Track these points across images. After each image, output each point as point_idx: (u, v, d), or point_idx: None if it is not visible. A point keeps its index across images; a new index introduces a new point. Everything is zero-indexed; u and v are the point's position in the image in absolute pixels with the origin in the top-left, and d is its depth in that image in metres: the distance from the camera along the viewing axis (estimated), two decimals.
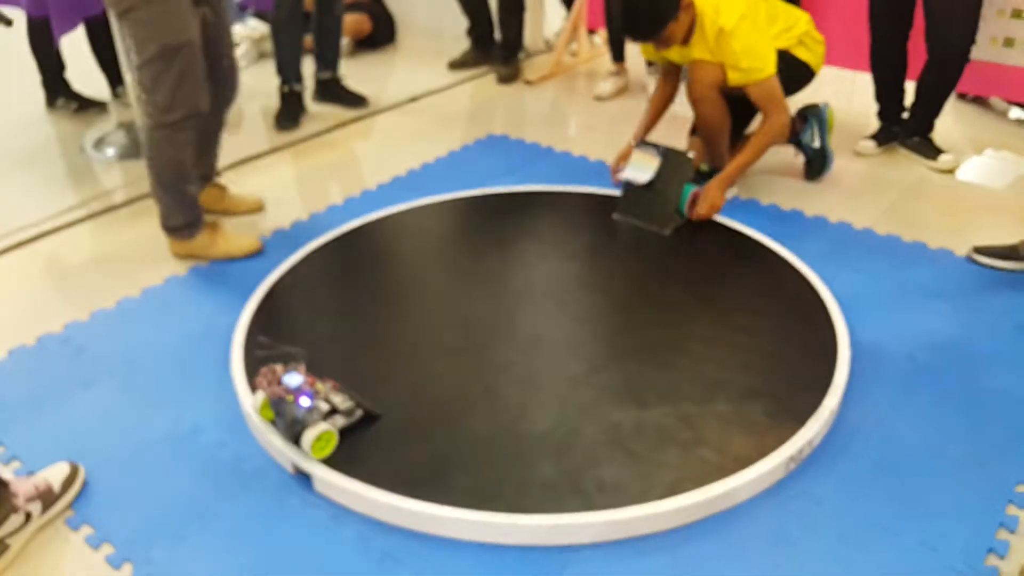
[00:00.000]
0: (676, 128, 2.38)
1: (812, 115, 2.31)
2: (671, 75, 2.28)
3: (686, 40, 2.08)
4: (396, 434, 1.40)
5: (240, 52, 3.46)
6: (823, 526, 1.25)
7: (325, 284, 1.87)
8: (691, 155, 2.08)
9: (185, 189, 1.91)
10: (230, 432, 1.46)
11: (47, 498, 1.28)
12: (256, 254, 2.01)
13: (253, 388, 1.46)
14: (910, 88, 2.44)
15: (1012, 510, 1.28)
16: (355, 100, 2.97)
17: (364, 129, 2.85)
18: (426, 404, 1.47)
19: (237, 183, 2.38)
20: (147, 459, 1.41)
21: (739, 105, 2.19)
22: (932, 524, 1.25)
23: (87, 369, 1.63)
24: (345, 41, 3.25)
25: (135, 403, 1.54)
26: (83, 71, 2.95)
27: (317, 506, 1.31)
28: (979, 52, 2.35)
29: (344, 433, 1.37)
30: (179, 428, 1.48)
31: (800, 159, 2.38)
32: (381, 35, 3.66)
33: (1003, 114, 2.81)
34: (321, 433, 1.32)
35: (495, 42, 3.32)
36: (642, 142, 2.14)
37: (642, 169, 2.08)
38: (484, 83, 3.26)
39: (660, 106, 2.32)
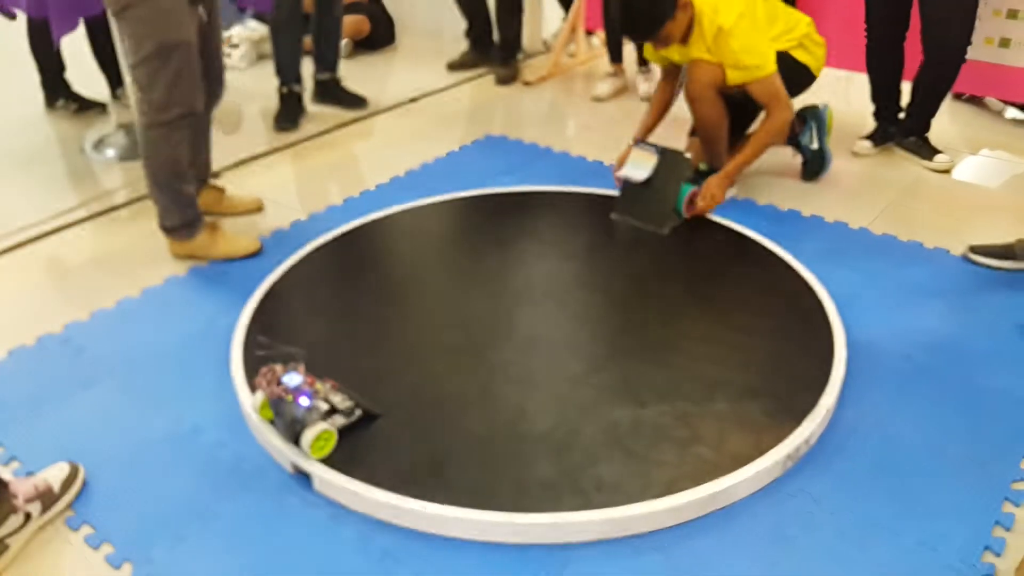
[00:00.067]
0: (676, 129, 2.39)
1: (811, 116, 2.31)
2: (672, 75, 2.28)
3: (685, 39, 2.08)
4: (395, 433, 1.40)
5: (239, 53, 3.47)
6: (821, 524, 1.26)
7: (324, 284, 1.88)
8: (689, 155, 2.09)
9: (182, 188, 1.92)
10: (230, 432, 1.47)
11: (47, 498, 1.29)
12: (255, 254, 2.02)
13: (253, 388, 1.46)
14: (906, 88, 2.45)
15: (1008, 508, 1.29)
16: (354, 101, 2.97)
17: (363, 130, 2.86)
18: (425, 403, 1.48)
19: (236, 184, 2.39)
20: (147, 459, 1.41)
21: (739, 107, 2.19)
22: (929, 522, 1.26)
23: (87, 369, 1.64)
24: (344, 42, 3.25)
25: (135, 403, 1.54)
26: (83, 72, 2.95)
27: (317, 506, 1.31)
28: (975, 52, 2.36)
29: (343, 433, 1.37)
30: (179, 428, 1.48)
31: (798, 159, 2.39)
32: (380, 36, 3.66)
33: (999, 114, 2.82)
34: (320, 433, 1.32)
35: (493, 43, 3.33)
36: (640, 141, 2.14)
37: (640, 167, 2.09)
38: (483, 84, 3.26)
39: (661, 107, 2.32)
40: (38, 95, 2.93)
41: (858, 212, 2.18)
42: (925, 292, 1.83)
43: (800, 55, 2.15)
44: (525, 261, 1.95)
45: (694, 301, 1.78)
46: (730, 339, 1.63)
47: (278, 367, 1.34)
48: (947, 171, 2.40)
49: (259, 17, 3.56)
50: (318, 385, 1.38)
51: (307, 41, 2.89)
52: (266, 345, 1.55)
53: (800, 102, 2.34)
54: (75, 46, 2.76)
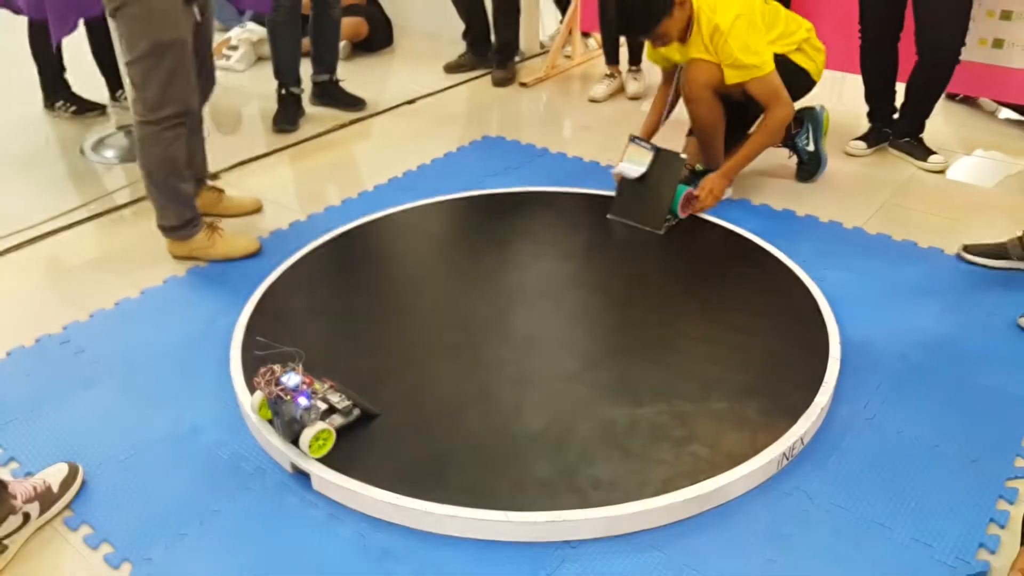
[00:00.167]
0: (675, 129, 2.39)
1: (808, 118, 2.31)
2: (672, 76, 2.28)
3: (684, 39, 2.09)
4: (393, 433, 1.41)
5: (238, 55, 3.47)
6: (816, 522, 1.27)
7: (323, 285, 1.88)
8: (684, 156, 2.09)
9: (179, 188, 1.92)
10: (229, 432, 1.47)
11: (46, 499, 1.29)
12: (254, 255, 2.02)
13: (252, 388, 1.47)
14: (900, 89, 2.47)
15: (1003, 505, 1.29)
16: (353, 102, 2.98)
17: (361, 131, 2.86)
18: (423, 403, 1.48)
19: (235, 185, 2.39)
20: (146, 459, 1.42)
21: (738, 109, 2.19)
22: (924, 519, 1.27)
23: (86, 370, 1.64)
24: (342, 44, 3.26)
25: (134, 403, 1.55)
26: (84, 74, 2.95)
27: (315, 505, 1.32)
28: (969, 53, 2.37)
29: (342, 432, 1.38)
30: (178, 428, 1.49)
31: (793, 160, 2.39)
32: (378, 38, 3.67)
33: (992, 114, 2.83)
34: (319, 432, 1.33)
35: (491, 45, 3.34)
36: (637, 138, 2.15)
37: (636, 163, 2.10)
38: (480, 85, 3.27)
39: (661, 108, 2.32)
40: (38, 95, 2.94)
41: (852, 212, 2.19)
42: (919, 291, 1.84)
43: (799, 59, 2.15)
44: (522, 261, 1.96)
45: (690, 301, 1.79)
46: (726, 338, 1.64)
47: (277, 367, 1.35)
48: (941, 172, 2.41)
49: (258, 19, 3.56)
50: (316, 385, 1.39)
51: (305, 43, 2.90)
52: (265, 345, 1.55)
53: (797, 104, 2.35)
54: (77, 48, 2.77)
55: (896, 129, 2.50)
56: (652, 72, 3.10)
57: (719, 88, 2.12)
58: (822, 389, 1.48)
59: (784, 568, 1.20)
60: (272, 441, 1.38)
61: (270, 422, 1.40)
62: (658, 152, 2.10)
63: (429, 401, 1.49)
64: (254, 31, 3.51)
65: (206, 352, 1.67)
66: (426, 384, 1.53)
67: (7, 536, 1.24)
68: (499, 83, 3.23)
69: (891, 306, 1.79)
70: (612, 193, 2.18)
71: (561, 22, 3.47)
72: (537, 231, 2.10)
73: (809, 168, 2.35)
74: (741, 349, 1.61)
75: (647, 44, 2.24)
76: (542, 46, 3.66)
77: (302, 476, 1.35)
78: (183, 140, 1.89)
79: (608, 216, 2.14)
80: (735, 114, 2.21)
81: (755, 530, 1.26)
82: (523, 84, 3.24)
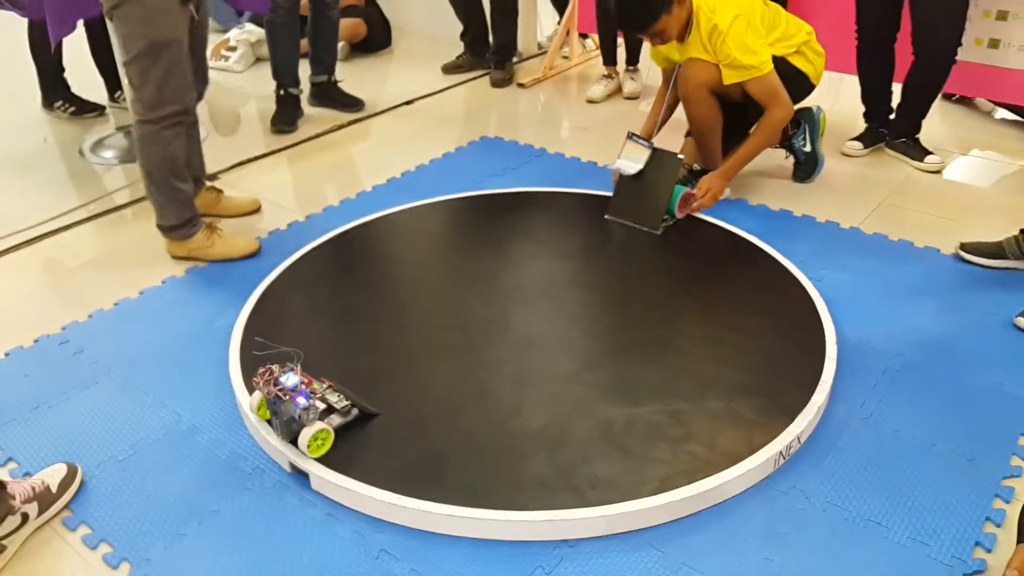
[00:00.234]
0: (674, 129, 2.40)
1: (805, 119, 2.31)
2: (672, 77, 2.29)
3: (682, 38, 2.09)
4: (392, 433, 1.41)
5: (237, 56, 3.48)
6: (812, 521, 1.27)
7: (322, 285, 1.89)
8: (681, 156, 2.10)
9: (178, 187, 1.92)
10: (228, 431, 1.48)
11: (44, 499, 1.29)
12: (253, 255, 2.03)
13: (250, 388, 1.47)
14: (897, 89, 2.47)
15: (999, 504, 1.30)
16: (351, 103, 2.98)
17: (360, 132, 2.87)
18: (421, 403, 1.49)
19: (234, 185, 2.40)
20: (145, 459, 1.42)
21: (737, 110, 2.19)
22: (920, 518, 1.27)
23: (85, 370, 1.64)
24: (341, 45, 3.27)
25: (133, 403, 1.55)
26: (83, 75, 2.95)
27: (314, 504, 1.32)
28: (965, 53, 2.37)
29: (340, 432, 1.38)
30: (177, 428, 1.49)
31: (790, 161, 2.40)
32: (377, 39, 3.67)
33: (988, 114, 2.84)
34: (317, 432, 1.33)
35: (489, 46, 3.35)
36: (635, 135, 2.15)
37: (633, 160, 2.10)
38: (478, 86, 3.28)
39: (659, 108, 2.32)
40: (37, 96, 2.94)
41: (849, 212, 2.20)
42: (915, 290, 1.85)
43: (798, 62, 2.15)
44: (520, 261, 1.97)
45: (687, 300, 1.79)
46: (723, 338, 1.65)
47: (275, 367, 1.35)
48: (938, 172, 2.42)
49: (256, 20, 3.57)
50: (315, 385, 1.39)
51: (304, 44, 2.90)
52: (264, 345, 1.56)
53: (795, 107, 2.35)
54: (78, 49, 2.77)
55: (892, 129, 2.51)
56: (649, 72, 3.11)
57: (717, 88, 2.12)
58: (819, 388, 1.49)
59: (781, 567, 1.20)
60: (271, 441, 1.38)
61: (269, 422, 1.41)
62: (655, 152, 2.10)
63: (427, 401, 1.49)
64: (252, 32, 3.52)
65: (205, 352, 1.68)
66: (424, 384, 1.54)
67: (6, 536, 1.24)
68: (497, 84, 3.24)
69: (888, 306, 1.79)
70: (610, 193, 2.18)
71: (559, 23, 3.48)
72: (535, 231, 2.10)
73: (806, 169, 2.36)
74: (738, 349, 1.61)
75: (647, 44, 2.24)
76: (540, 47, 3.67)
77: (301, 476, 1.36)
78: (182, 139, 1.90)
79: (606, 216, 2.15)
80: (733, 115, 2.21)
81: (752, 529, 1.26)
82: (521, 85, 3.25)
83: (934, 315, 1.76)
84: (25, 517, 1.26)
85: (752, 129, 2.20)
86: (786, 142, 2.34)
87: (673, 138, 2.38)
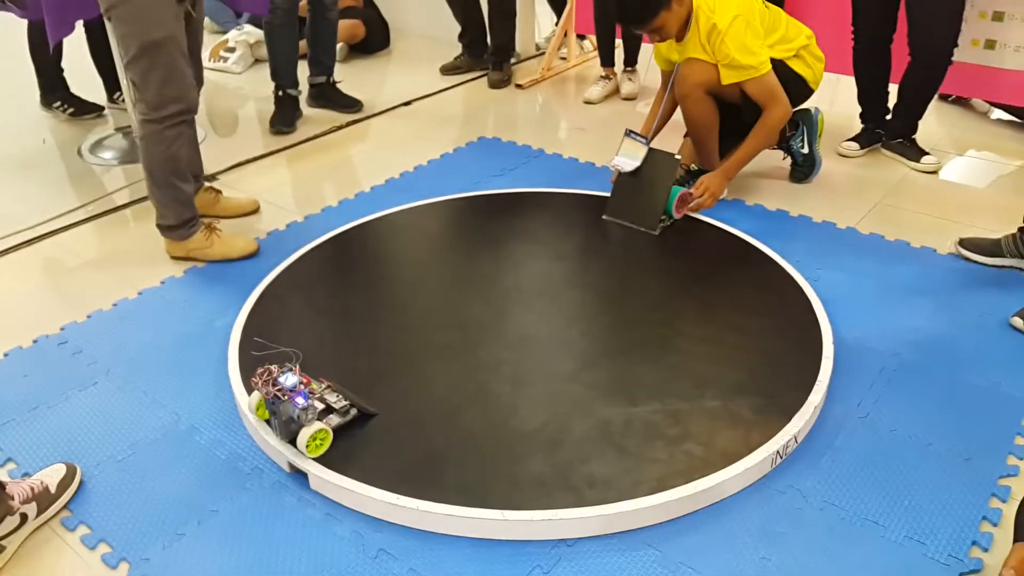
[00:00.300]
0: (674, 130, 2.40)
1: (802, 120, 2.32)
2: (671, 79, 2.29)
3: (680, 37, 2.09)
4: (390, 432, 1.42)
5: (235, 57, 3.48)
6: (809, 520, 1.28)
7: (320, 285, 1.89)
8: (678, 156, 2.10)
9: (179, 187, 1.93)
10: (226, 431, 1.48)
11: (43, 499, 1.29)
12: (252, 255, 2.03)
13: (249, 388, 1.48)
14: (893, 90, 2.48)
15: (995, 503, 1.30)
16: (349, 104, 2.99)
17: (358, 132, 2.87)
18: (420, 403, 1.49)
19: (233, 186, 2.40)
20: (144, 459, 1.42)
21: (736, 111, 2.19)
22: (917, 517, 1.28)
23: (84, 370, 1.65)
24: (339, 46, 3.27)
25: (132, 404, 1.55)
26: (83, 75, 2.95)
27: (313, 504, 1.33)
28: (961, 54, 2.38)
29: (339, 432, 1.39)
30: (176, 428, 1.49)
31: (787, 162, 2.41)
32: (375, 40, 3.68)
33: (984, 115, 2.85)
34: (316, 432, 1.33)
35: (487, 47, 3.35)
36: (633, 132, 2.15)
37: (631, 157, 2.11)
38: (476, 87, 3.28)
39: (658, 109, 2.32)
40: (36, 96, 2.94)
41: (845, 212, 2.21)
42: (912, 290, 1.85)
43: (796, 65, 2.15)
44: (518, 261, 1.97)
45: (684, 300, 1.80)
46: (720, 338, 1.65)
47: (274, 367, 1.35)
48: (934, 172, 2.43)
49: (255, 21, 3.57)
50: (314, 385, 1.39)
51: (303, 45, 2.91)
52: (262, 346, 1.56)
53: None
54: (75, 49, 2.77)
55: (889, 130, 2.52)
56: (647, 73, 3.12)
57: (714, 88, 2.13)
58: (816, 388, 1.49)
59: (778, 566, 1.21)
60: (269, 441, 1.39)
61: (268, 422, 1.41)
62: (652, 152, 2.11)
63: (426, 401, 1.50)
64: (251, 33, 3.52)
65: (204, 352, 1.68)
66: (423, 384, 1.54)
67: (5, 536, 1.24)
68: (495, 85, 3.25)
69: (884, 305, 1.80)
70: (607, 194, 2.19)
71: (557, 24, 3.48)
72: (533, 231, 2.11)
73: (804, 170, 2.37)
74: (736, 348, 1.62)
75: (646, 45, 2.25)
76: (538, 48, 3.68)
77: (300, 476, 1.36)
78: (185, 139, 1.90)
79: (603, 217, 2.15)
80: (731, 116, 2.22)
81: (749, 528, 1.27)
82: (519, 86, 3.26)
83: (930, 315, 1.77)
84: (24, 517, 1.26)
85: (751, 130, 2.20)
86: (784, 143, 2.34)
87: (673, 139, 2.38)
